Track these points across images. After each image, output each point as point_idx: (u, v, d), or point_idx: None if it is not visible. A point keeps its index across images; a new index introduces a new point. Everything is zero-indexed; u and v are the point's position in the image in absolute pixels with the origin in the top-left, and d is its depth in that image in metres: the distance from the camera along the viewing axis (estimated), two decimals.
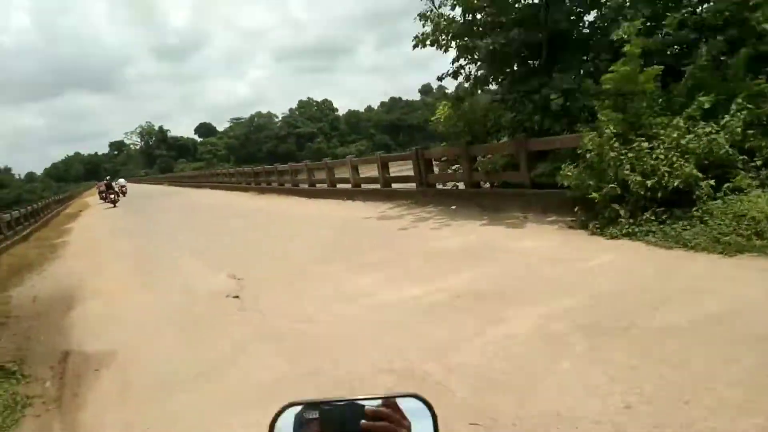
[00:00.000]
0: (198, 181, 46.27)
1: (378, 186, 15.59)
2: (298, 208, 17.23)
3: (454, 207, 11.83)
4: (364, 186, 16.82)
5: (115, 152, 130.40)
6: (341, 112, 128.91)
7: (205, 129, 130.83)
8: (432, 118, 13.46)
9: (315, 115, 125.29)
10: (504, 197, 10.89)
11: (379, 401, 0.89)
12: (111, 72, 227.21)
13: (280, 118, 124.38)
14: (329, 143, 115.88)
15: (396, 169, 16.16)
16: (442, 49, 11.96)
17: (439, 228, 10.00)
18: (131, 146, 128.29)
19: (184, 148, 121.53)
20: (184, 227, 16.39)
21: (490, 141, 11.70)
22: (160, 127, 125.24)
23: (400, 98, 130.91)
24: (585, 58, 10.41)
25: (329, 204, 16.94)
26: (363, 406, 0.87)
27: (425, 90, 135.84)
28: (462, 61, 12.07)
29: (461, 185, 12.83)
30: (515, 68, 11.32)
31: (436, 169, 13.45)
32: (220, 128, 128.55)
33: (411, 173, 14.54)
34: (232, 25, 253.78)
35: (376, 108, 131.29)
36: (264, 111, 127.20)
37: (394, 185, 15.22)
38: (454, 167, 12.94)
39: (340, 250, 9.43)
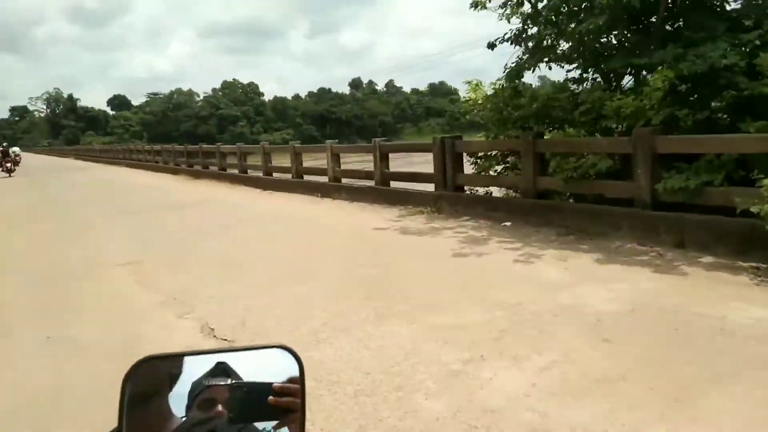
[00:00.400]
0: (111, 157, 40.38)
1: (371, 183, 11.92)
2: (262, 204, 13.23)
3: (508, 223, 8.44)
4: (346, 181, 13.09)
5: (17, 118, 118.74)
6: (267, 97, 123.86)
7: (119, 101, 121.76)
8: (464, 100, 10.02)
9: (239, 97, 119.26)
10: (594, 216, 7.60)
11: (249, 352, 0.82)
12: (18, 30, 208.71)
13: (201, 98, 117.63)
14: (252, 128, 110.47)
15: (394, 163, 12.51)
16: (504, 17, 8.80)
17: (527, 260, 6.49)
18: (35, 113, 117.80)
19: (95, 120, 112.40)
20: (110, 224, 12.00)
21: (575, 135, 8.30)
22: (70, 95, 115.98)
23: (329, 89, 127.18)
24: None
25: (299, 200, 13.08)
26: (271, 383, 0.79)
27: (355, 84, 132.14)
28: (527, 23, 8.76)
29: (501, 192, 9.50)
30: (625, 32, 7.99)
31: (469, 169, 9.93)
32: (136, 103, 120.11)
33: (421, 170, 11.09)
34: None
35: (304, 97, 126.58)
36: (185, 88, 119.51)
37: (395, 184, 11.62)
38: (498, 168, 9.53)
39: (381, 288, 5.76)
